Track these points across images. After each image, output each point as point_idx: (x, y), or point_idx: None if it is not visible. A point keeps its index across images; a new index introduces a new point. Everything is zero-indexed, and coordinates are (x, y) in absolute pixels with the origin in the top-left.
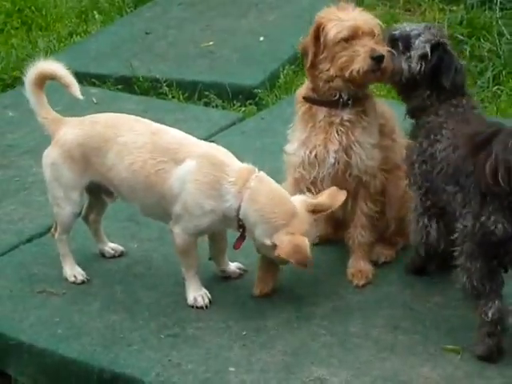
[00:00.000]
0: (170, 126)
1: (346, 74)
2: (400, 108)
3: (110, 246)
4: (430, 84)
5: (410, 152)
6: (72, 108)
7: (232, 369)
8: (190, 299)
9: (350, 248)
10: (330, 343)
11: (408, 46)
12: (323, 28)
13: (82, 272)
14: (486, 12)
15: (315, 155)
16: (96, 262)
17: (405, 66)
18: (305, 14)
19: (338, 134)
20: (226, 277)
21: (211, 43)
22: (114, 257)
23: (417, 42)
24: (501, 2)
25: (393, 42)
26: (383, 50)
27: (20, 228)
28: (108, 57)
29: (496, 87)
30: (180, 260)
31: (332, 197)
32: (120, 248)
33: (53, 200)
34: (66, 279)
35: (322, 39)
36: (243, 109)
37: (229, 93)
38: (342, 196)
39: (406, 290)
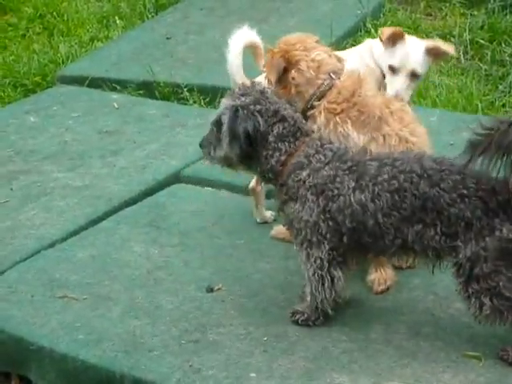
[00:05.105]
0: (191, 130)
1: None
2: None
3: (270, 213)
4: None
5: (302, 215)
6: (92, 113)
7: (253, 375)
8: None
9: None
10: (351, 349)
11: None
12: None
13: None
14: (508, 16)
15: None
16: (116, 268)
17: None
18: (325, 19)
19: None
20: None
21: None
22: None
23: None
24: None
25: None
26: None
27: (41, 233)
28: (129, 62)
29: None
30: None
31: None
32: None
33: None
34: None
35: None
36: None
37: None
38: None
39: (428, 297)
